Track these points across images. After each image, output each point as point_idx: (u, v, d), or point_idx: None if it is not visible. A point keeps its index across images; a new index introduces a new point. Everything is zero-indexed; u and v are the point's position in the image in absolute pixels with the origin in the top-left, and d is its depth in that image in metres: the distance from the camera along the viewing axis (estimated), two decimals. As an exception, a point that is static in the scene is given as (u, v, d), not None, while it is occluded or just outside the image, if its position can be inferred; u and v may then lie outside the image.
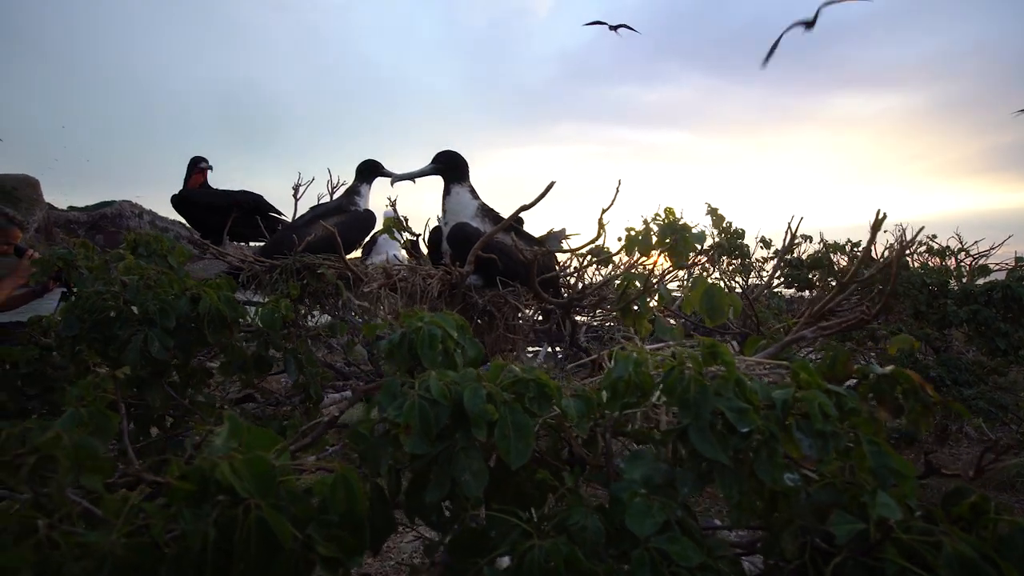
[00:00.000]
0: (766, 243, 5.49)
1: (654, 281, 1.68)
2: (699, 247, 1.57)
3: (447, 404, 0.90)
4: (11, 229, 3.52)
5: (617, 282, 1.81)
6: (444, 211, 1.74)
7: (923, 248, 5.30)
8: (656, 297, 1.71)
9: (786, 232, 1.91)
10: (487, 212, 1.77)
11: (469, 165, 2.04)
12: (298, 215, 2.77)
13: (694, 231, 1.53)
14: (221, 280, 1.56)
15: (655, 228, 1.74)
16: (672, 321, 2.01)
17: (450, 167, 1.83)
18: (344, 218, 2.19)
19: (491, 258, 1.65)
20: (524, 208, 1.62)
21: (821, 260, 5.35)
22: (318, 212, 2.20)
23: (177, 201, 2.97)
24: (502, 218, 1.75)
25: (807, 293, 5.42)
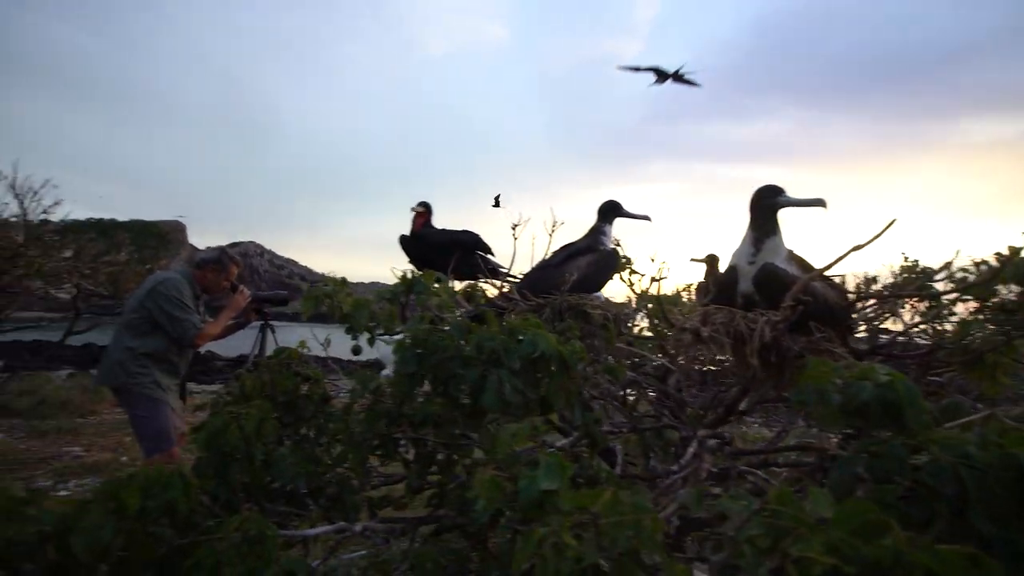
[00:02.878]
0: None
1: (1008, 329, 1.47)
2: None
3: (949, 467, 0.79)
4: (230, 266, 3.91)
5: (953, 329, 1.62)
6: (756, 250, 1.64)
7: None
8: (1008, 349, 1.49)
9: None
10: (793, 256, 1.65)
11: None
12: (516, 254, 2.84)
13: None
14: (534, 319, 1.55)
15: (1000, 267, 1.54)
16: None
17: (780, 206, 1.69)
18: (597, 257, 2.18)
19: (807, 301, 1.52)
20: (856, 248, 1.49)
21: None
22: (571, 251, 2.21)
23: (406, 241, 3.15)
24: (807, 262, 1.64)
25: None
